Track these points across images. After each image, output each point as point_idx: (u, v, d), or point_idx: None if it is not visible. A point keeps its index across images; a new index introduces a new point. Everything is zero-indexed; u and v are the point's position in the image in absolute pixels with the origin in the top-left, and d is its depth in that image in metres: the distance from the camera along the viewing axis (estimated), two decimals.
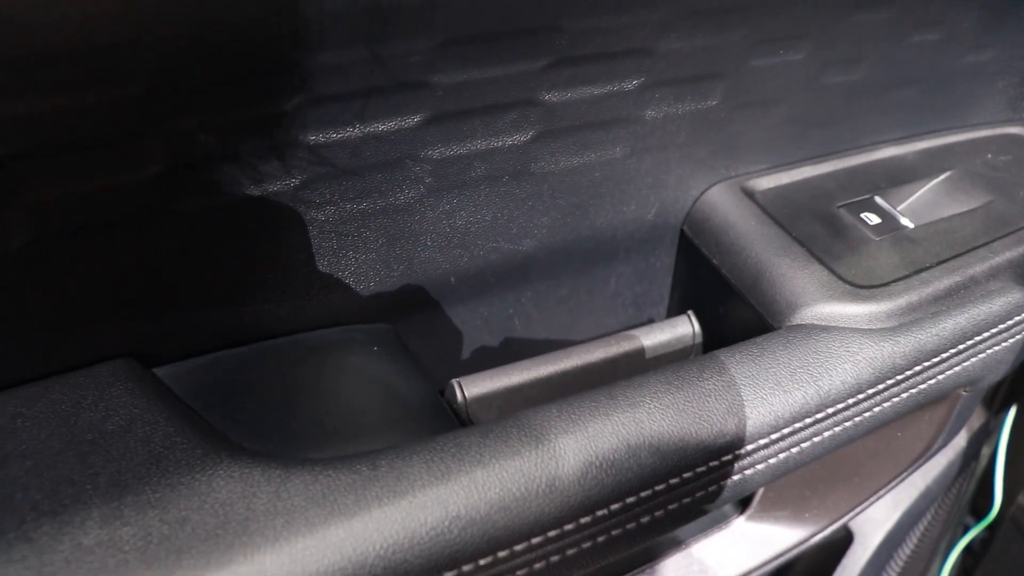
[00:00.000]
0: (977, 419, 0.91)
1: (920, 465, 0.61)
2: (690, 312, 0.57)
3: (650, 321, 0.62)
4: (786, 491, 0.56)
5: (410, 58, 0.40)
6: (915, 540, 0.81)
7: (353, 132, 0.42)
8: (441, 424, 0.45)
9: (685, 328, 0.56)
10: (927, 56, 0.58)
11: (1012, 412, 0.88)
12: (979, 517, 1.05)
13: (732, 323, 0.54)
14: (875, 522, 0.76)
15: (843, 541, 0.77)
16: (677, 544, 0.58)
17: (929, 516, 0.81)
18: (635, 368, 0.54)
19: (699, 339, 0.56)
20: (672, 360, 0.56)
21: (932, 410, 0.58)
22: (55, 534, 0.33)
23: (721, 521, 0.58)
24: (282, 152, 0.40)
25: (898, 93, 0.59)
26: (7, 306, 0.37)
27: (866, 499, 0.60)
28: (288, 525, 0.35)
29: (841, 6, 0.51)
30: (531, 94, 0.45)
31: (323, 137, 0.41)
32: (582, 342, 0.59)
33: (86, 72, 0.32)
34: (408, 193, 0.46)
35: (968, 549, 1.13)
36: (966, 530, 1.01)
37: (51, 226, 0.36)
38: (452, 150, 0.45)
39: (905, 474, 0.60)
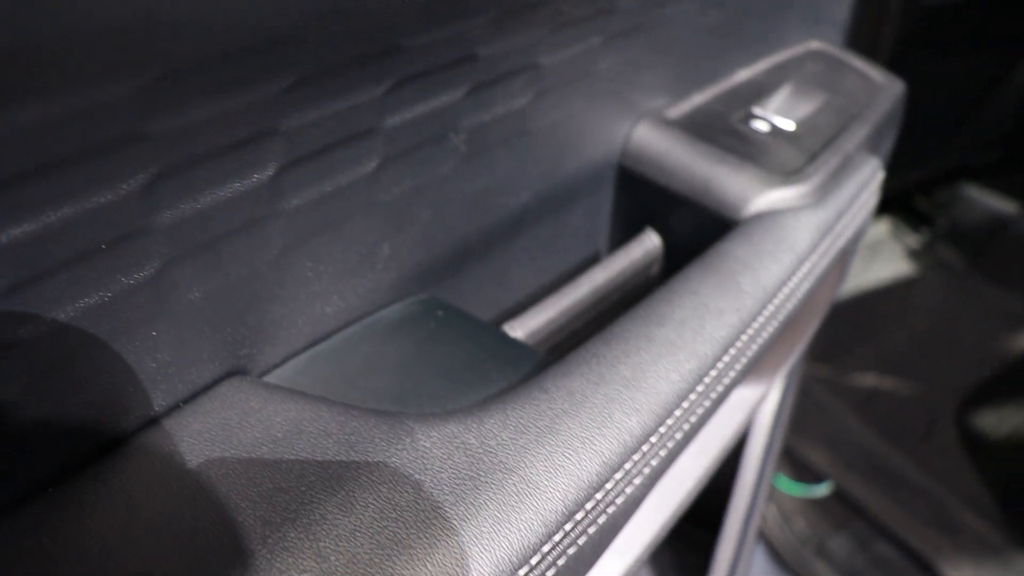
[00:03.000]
0: None
1: (827, 311, 0.77)
2: (649, 228, 0.66)
3: (597, 248, 0.71)
4: None
5: (471, 33, 0.44)
6: (792, 395, 0.98)
7: (420, 110, 0.45)
8: (532, 355, 0.50)
9: (651, 242, 0.66)
10: None
11: None
12: None
13: (686, 227, 0.65)
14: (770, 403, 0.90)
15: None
16: None
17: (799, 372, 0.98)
18: (629, 279, 0.63)
19: (661, 249, 0.66)
20: (648, 268, 0.66)
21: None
22: (304, 536, 0.33)
23: None
24: (362, 139, 0.43)
25: (747, 25, 0.73)
26: (130, 341, 0.35)
27: (799, 347, 0.74)
28: (521, 453, 0.38)
29: None
30: (536, 58, 0.51)
31: (399, 119, 0.44)
32: (565, 273, 0.67)
33: (250, 69, 0.33)
34: (450, 163, 0.50)
35: None
36: None
37: (181, 246, 0.36)
38: (481, 117, 0.50)
39: (821, 318, 0.76)
